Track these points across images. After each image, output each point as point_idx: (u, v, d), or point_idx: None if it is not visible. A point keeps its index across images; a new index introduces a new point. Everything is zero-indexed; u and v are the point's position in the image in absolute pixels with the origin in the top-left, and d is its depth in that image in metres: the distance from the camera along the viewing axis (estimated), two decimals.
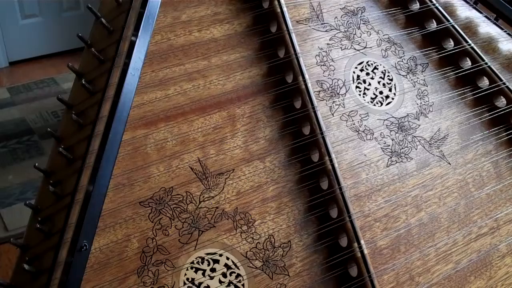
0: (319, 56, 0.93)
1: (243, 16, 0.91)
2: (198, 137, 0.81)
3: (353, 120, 0.91)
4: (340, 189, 0.81)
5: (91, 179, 0.72)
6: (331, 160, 0.82)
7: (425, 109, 0.96)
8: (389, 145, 0.91)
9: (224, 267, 0.76)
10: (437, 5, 1.02)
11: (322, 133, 0.83)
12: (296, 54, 0.87)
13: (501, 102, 1.00)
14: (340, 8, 0.99)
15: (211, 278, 0.74)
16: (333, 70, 0.93)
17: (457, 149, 0.96)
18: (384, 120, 0.93)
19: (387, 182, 0.89)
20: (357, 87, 0.94)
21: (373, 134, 0.91)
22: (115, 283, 0.71)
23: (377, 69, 0.96)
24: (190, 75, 0.84)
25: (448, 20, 1.01)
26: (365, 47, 0.97)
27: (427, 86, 0.99)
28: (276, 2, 0.89)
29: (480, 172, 0.96)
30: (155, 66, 0.83)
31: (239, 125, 0.84)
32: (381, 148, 0.90)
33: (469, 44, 1.00)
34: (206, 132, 0.82)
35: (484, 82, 1.00)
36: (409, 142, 0.93)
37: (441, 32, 1.02)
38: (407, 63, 0.99)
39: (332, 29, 0.96)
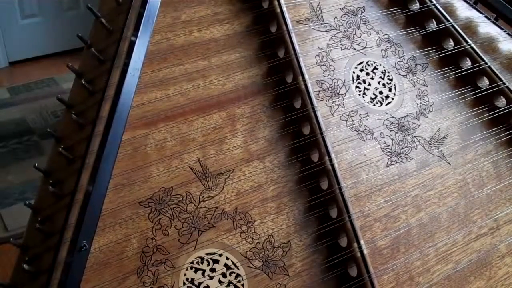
0: (319, 56, 0.93)
1: (243, 16, 0.91)
2: (198, 137, 0.81)
3: (353, 120, 0.91)
4: (340, 189, 0.81)
5: (91, 179, 0.72)
6: (330, 160, 0.82)
7: (425, 109, 0.96)
8: (389, 145, 0.91)
9: (223, 267, 0.76)
10: (437, 5, 1.02)
11: (322, 133, 0.83)
12: (296, 54, 0.87)
13: (501, 102, 1.00)
14: (340, 8, 0.99)
15: (211, 278, 0.74)
16: (333, 70, 0.93)
17: (457, 149, 0.96)
18: (384, 120, 0.93)
19: (387, 182, 0.89)
20: (357, 87, 0.94)
21: (373, 134, 0.91)
22: (114, 283, 0.71)
23: (377, 69, 0.96)
24: (190, 75, 0.84)
25: (448, 20, 1.01)
26: (365, 47, 0.97)
27: (427, 86, 0.99)
28: (276, 2, 0.89)
29: (480, 172, 0.96)
30: (155, 66, 0.83)
31: (239, 125, 0.84)
32: (381, 148, 0.90)
33: (469, 44, 1.00)
34: (206, 132, 0.82)
35: (484, 82, 1.00)
36: (409, 142, 0.93)
37: (441, 32, 1.02)
38: (407, 63, 0.99)
39: (332, 29, 0.96)
